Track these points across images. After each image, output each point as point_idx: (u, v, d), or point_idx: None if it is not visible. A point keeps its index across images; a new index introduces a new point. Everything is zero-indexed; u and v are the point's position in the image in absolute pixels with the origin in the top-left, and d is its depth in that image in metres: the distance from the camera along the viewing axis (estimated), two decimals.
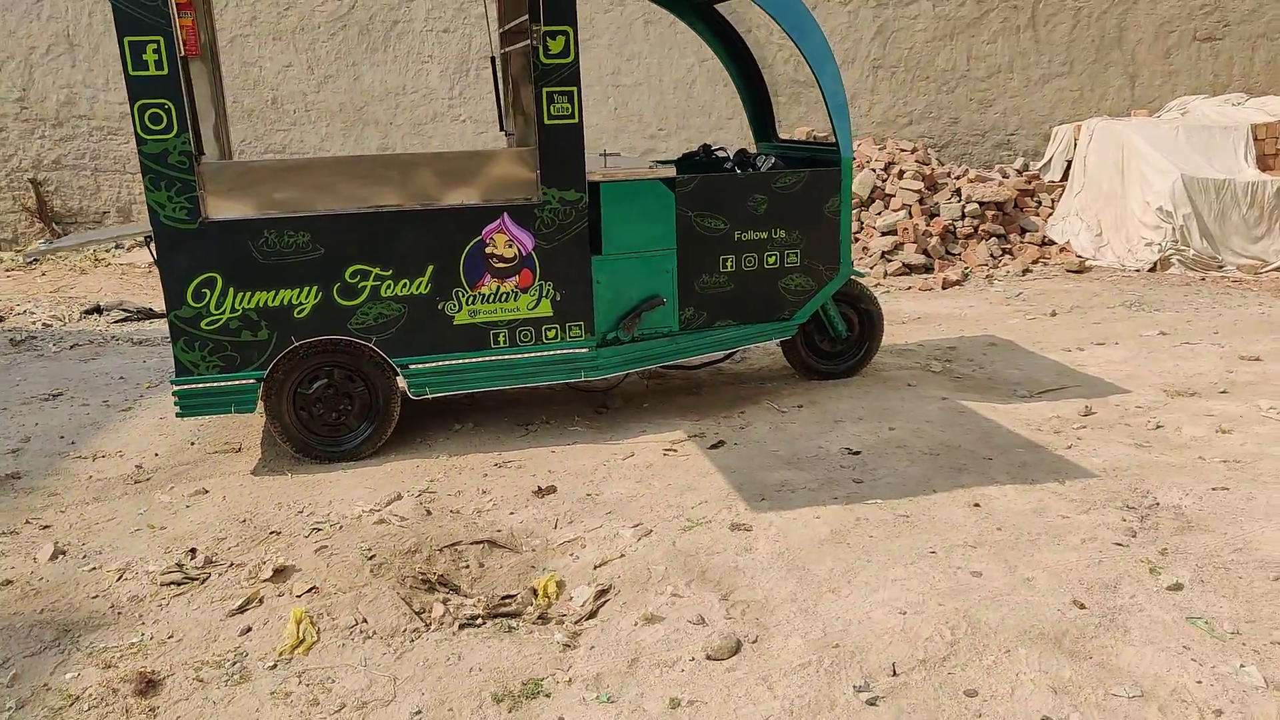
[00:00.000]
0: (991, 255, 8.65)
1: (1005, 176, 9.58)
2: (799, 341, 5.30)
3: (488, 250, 4.40)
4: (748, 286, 4.84)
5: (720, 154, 5.57)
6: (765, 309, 4.91)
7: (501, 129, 5.54)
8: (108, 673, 2.95)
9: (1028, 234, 9.01)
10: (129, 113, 3.94)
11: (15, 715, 2.79)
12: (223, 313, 4.18)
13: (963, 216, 8.89)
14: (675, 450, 4.48)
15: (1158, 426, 4.50)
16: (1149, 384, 5.16)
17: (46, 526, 3.95)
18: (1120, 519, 3.60)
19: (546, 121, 4.33)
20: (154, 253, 4.16)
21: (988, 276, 8.08)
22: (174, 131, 3.93)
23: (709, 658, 2.88)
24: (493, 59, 5.48)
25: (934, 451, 4.28)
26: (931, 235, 8.67)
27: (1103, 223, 8.60)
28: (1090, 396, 4.99)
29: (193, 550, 3.66)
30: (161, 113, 3.90)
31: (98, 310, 7.75)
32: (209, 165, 4.14)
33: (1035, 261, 8.52)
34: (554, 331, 4.57)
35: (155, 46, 3.83)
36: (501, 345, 4.52)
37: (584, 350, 4.62)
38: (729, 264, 4.79)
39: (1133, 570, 3.23)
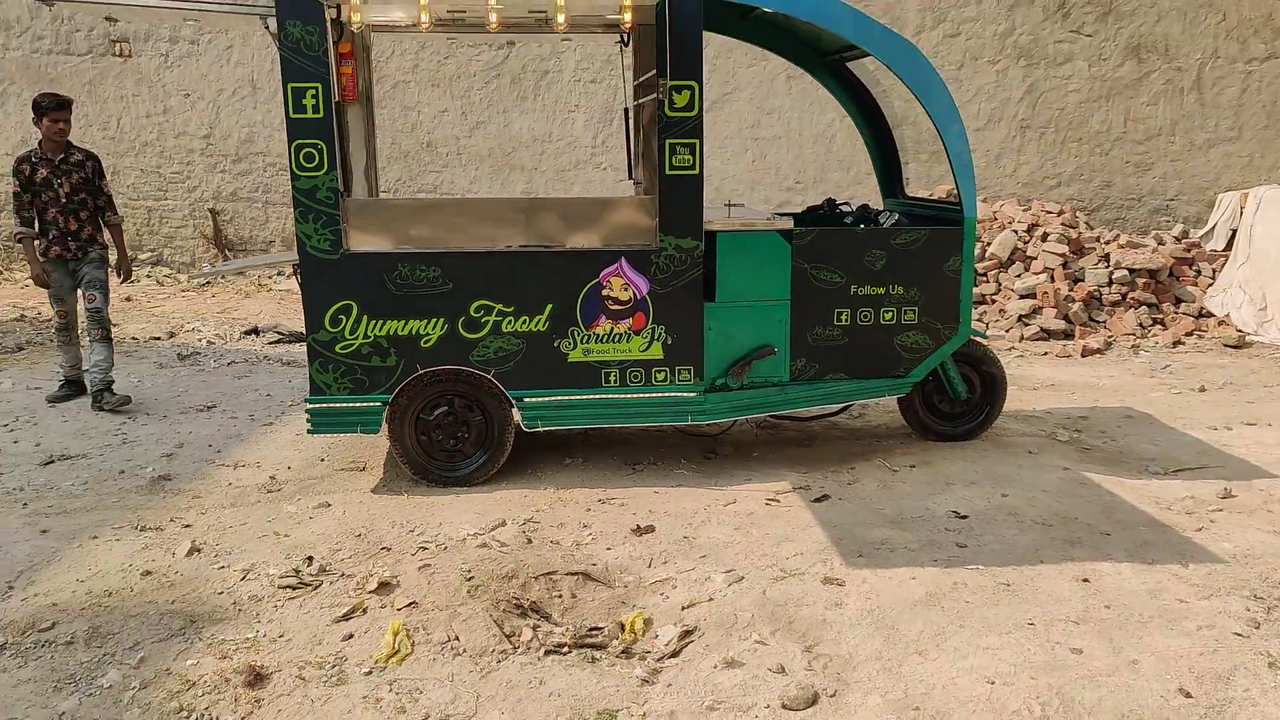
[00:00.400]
0: (1140, 325, 8.25)
1: (1160, 243, 9.15)
2: (916, 400, 5.22)
3: (604, 292, 4.55)
4: (862, 341, 4.81)
5: (844, 208, 5.57)
6: (879, 365, 4.86)
7: (630, 177, 5.72)
8: (223, 663, 3.17)
9: (1183, 304, 8.55)
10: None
11: (139, 694, 3.04)
12: (356, 338, 4.47)
13: (1110, 283, 8.53)
14: (778, 500, 4.48)
15: None
16: None
17: (187, 525, 4.28)
18: (1244, 608, 3.38)
19: (668, 172, 4.47)
20: (299, 279, 4.50)
21: (1133, 346, 7.71)
22: (324, 169, 4.27)
23: (784, 707, 2.87)
24: (626, 110, 5.67)
25: (1047, 522, 4.12)
26: (1074, 300, 8.35)
27: (1268, 296, 8.09)
28: (1232, 478, 4.69)
29: (310, 558, 3.89)
30: (315, 152, 4.24)
31: (255, 331, 8.34)
32: (353, 202, 4.47)
33: (1189, 334, 8.07)
34: (663, 374, 4.66)
35: (314, 92, 4.18)
36: (612, 384, 4.64)
37: (692, 394, 4.69)
38: (844, 317, 4.78)
39: (1250, 662, 3.03)
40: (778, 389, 4.82)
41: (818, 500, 4.45)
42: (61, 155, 5.96)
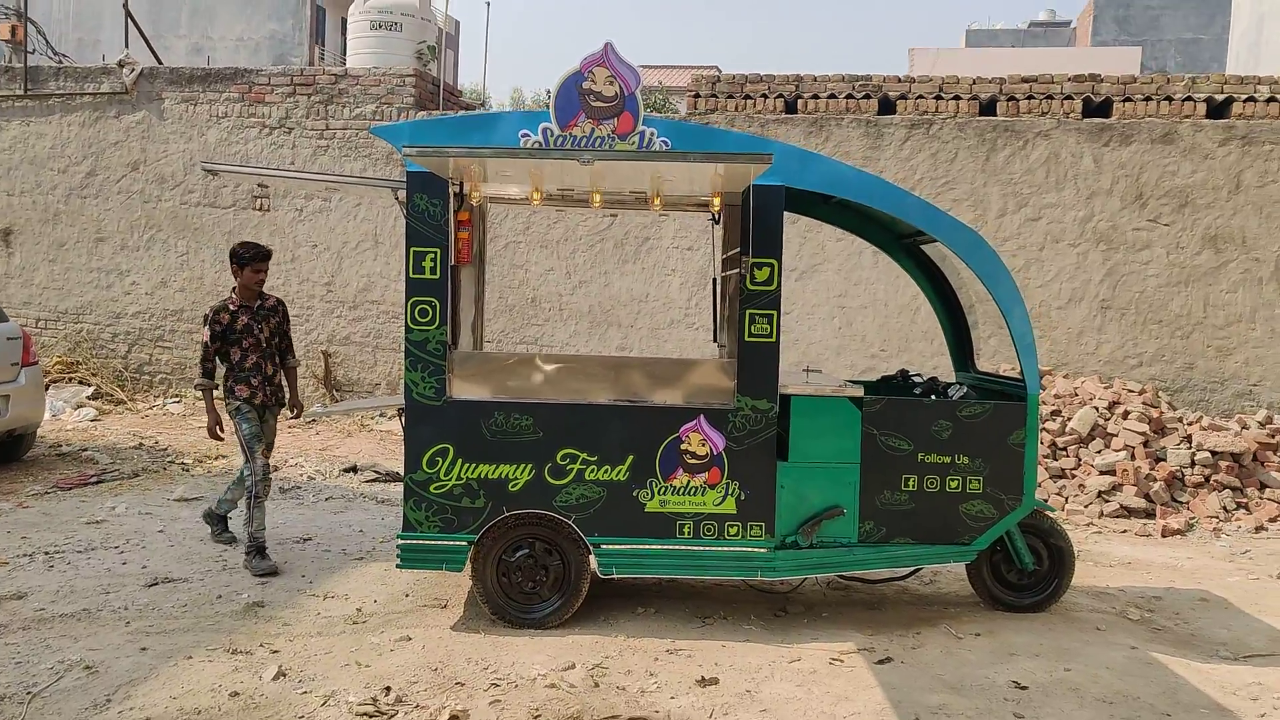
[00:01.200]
0: (1224, 508, 8.13)
1: (1245, 427, 9.07)
2: (985, 569, 5.30)
3: (683, 447, 4.85)
4: (928, 507, 4.98)
5: (916, 378, 5.83)
6: (945, 531, 5.00)
7: (715, 340, 6.11)
8: None
9: (1268, 489, 8.41)
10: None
11: None
12: (450, 479, 4.83)
13: (1192, 464, 8.46)
14: (842, 660, 4.57)
15: None
16: None
17: (276, 651, 4.57)
18: None
19: (747, 339, 4.83)
20: (402, 422, 4.93)
21: (1215, 529, 7.59)
22: (436, 324, 4.76)
23: None
24: (714, 280, 6.12)
25: (1107, 699, 4.13)
26: (1155, 479, 8.30)
27: None
28: None
29: (388, 688, 4.13)
30: (429, 308, 4.75)
31: (354, 469, 8.82)
32: (459, 354, 4.94)
33: (1273, 520, 7.91)
34: (736, 529, 4.88)
35: (433, 256, 4.73)
36: (686, 536, 4.88)
37: (763, 550, 4.89)
38: (911, 483, 4.97)
39: None
40: (846, 549, 4.99)
41: (880, 662, 4.54)
42: (258, 301, 6.10)
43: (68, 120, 11.90)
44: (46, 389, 11.06)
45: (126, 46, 12.42)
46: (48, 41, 14.25)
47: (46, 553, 6.01)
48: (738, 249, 5.08)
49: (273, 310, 6.17)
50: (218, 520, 6.41)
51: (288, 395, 6.31)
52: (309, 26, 25.12)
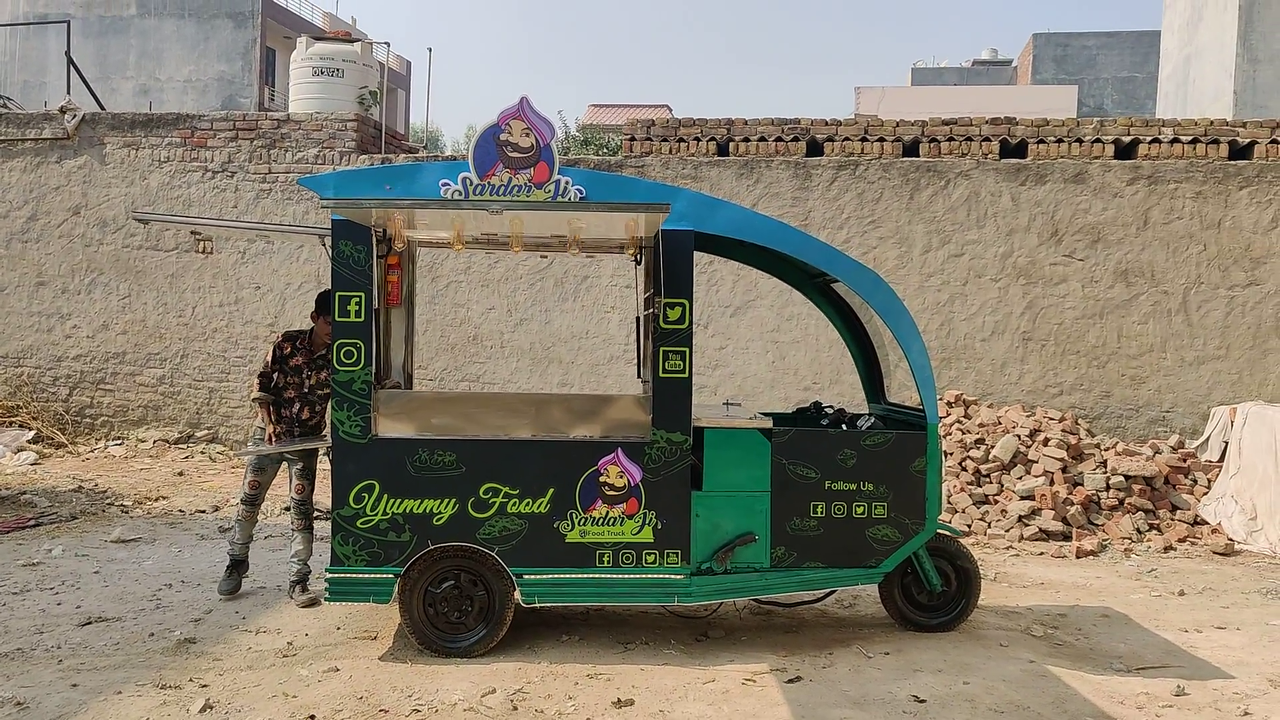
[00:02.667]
0: (1137, 530, 8.50)
1: (1157, 452, 9.50)
2: (896, 591, 5.56)
3: (601, 479, 5.07)
4: (836, 532, 5.23)
5: (828, 410, 6.12)
6: (853, 555, 5.26)
7: (639, 376, 6.35)
8: None
9: (1179, 511, 8.81)
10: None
11: None
12: (376, 514, 5.00)
13: (1107, 488, 8.85)
14: (754, 681, 4.79)
15: (1245, 714, 4.41)
16: (1257, 672, 5.02)
17: (205, 685, 4.68)
18: None
19: (661, 374, 5.09)
20: (330, 460, 5.10)
21: (1125, 550, 7.95)
22: (360, 365, 4.95)
23: None
24: (638, 319, 6.37)
25: (999, 709, 4.38)
26: (1073, 504, 8.66)
27: (1257, 507, 8.34)
28: (1189, 678, 4.92)
29: (312, 717, 4.28)
30: (354, 349, 4.95)
31: (321, 515, 8.88)
32: (384, 393, 5.13)
33: (1182, 540, 8.30)
34: (653, 557, 5.10)
35: (358, 300, 4.93)
36: (605, 565, 5.08)
37: (679, 577, 5.11)
38: (819, 510, 5.23)
39: None
40: (759, 574, 5.22)
41: (791, 681, 4.76)
42: (321, 352, 6.08)
43: (9, 165, 11.94)
44: None
45: (69, 92, 12.51)
46: None
47: None
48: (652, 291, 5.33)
49: (326, 364, 6.08)
50: (298, 581, 6.13)
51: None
52: (258, 68, 25.29)
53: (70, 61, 12.88)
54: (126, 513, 8.68)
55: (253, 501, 6.20)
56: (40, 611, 5.78)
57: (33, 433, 11.53)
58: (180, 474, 10.46)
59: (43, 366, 11.98)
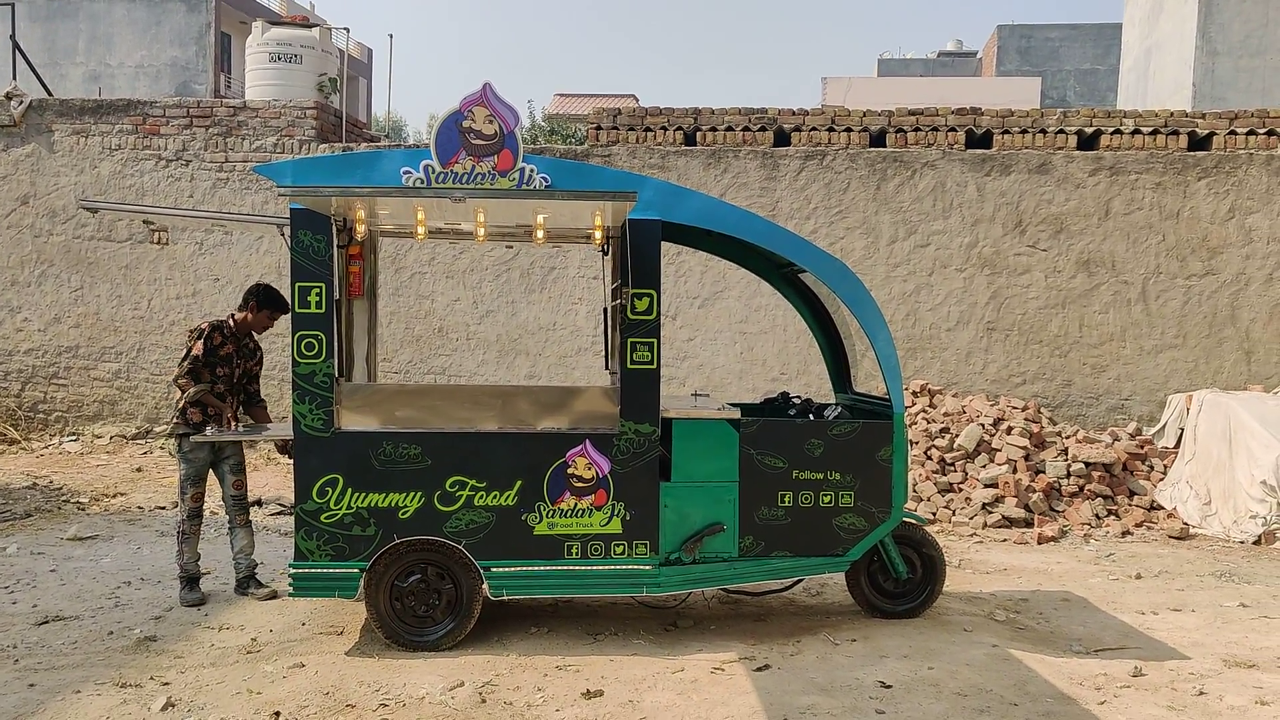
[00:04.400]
0: (1096, 515, 8.64)
1: (1116, 439, 9.65)
2: (863, 579, 5.59)
3: (569, 471, 5.04)
4: (803, 521, 5.25)
5: (795, 400, 6.13)
6: (820, 543, 5.28)
7: (606, 367, 6.32)
8: None
9: (1136, 497, 8.96)
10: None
11: None
12: (340, 509, 4.94)
13: (1068, 475, 8.98)
14: (723, 669, 4.79)
15: (1200, 693, 4.50)
16: (1211, 653, 5.12)
17: (166, 684, 4.60)
18: None
19: (629, 366, 5.06)
20: (291, 454, 5.02)
21: (1085, 535, 8.07)
22: (322, 357, 4.88)
23: None
24: (605, 310, 6.34)
25: (963, 692, 4.43)
26: (1035, 491, 8.78)
27: (1211, 491, 8.51)
28: (1147, 659, 5.00)
29: (277, 713, 4.22)
30: (315, 342, 4.87)
31: (258, 503, 8.77)
32: (346, 386, 5.05)
33: (1139, 525, 8.44)
34: (622, 548, 5.08)
35: (318, 291, 4.85)
36: (574, 557, 5.06)
37: (648, 567, 5.09)
38: (786, 499, 5.24)
39: None
40: (727, 564, 5.23)
41: (759, 669, 4.77)
42: (245, 339, 6.06)
43: None
44: None
45: (15, 78, 12.20)
46: None
47: None
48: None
49: (252, 352, 6.13)
50: (248, 577, 6.07)
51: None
52: (213, 53, 24.82)
53: (15, 46, 12.55)
54: (83, 510, 8.51)
55: (199, 514, 6.01)
56: None
57: None
58: (139, 470, 10.28)
59: None
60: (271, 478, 10.05)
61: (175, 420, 5.95)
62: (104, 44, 25.17)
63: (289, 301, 5.69)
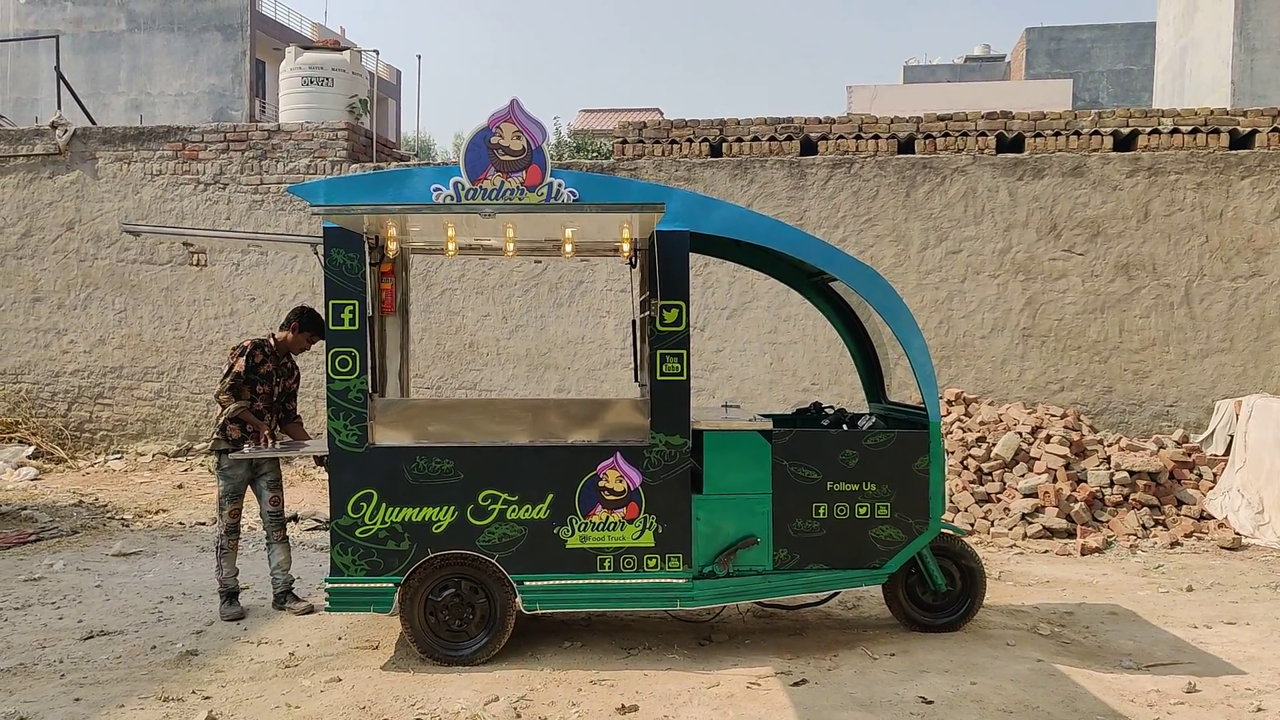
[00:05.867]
0: (1142, 525, 8.45)
1: (1162, 447, 9.44)
2: (900, 592, 5.51)
3: (600, 484, 5.02)
4: (839, 533, 5.18)
5: (828, 411, 6.07)
6: (856, 556, 5.21)
7: (636, 380, 6.30)
8: None
9: (1185, 506, 8.75)
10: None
11: None
12: (374, 524, 4.96)
13: (1111, 484, 8.79)
14: (759, 684, 4.74)
15: (1259, 710, 4.36)
16: (1268, 667, 4.97)
17: (207, 697, 4.64)
18: None
19: (659, 377, 5.04)
20: (326, 469, 5.05)
21: (1131, 546, 7.89)
22: (356, 374, 4.91)
23: None
24: (634, 322, 6.33)
25: (1008, 709, 4.33)
26: (1076, 500, 8.61)
27: (1265, 500, 8.29)
28: (1201, 675, 4.86)
29: None
30: (349, 358, 4.90)
31: (294, 518, 8.85)
32: (380, 401, 5.08)
33: (1189, 535, 8.24)
34: (654, 561, 5.05)
35: (351, 308, 4.89)
36: (606, 570, 5.03)
37: (681, 581, 5.05)
38: (821, 511, 5.17)
39: None
40: (761, 577, 5.17)
41: (796, 684, 4.71)
42: (284, 359, 6.18)
43: (2, 182, 11.91)
44: None
45: (59, 107, 12.48)
46: None
47: None
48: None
49: (290, 371, 6.23)
50: (284, 592, 6.14)
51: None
52: (248, 80, 25.27)
53: (60, 76, 12.86)
54: (127, 526, 8.64)
55: (236, 530, 6.07)
56: (42, 626, 5.74)
57: (32, 448, 11.49)
58: (180, 487, 10.42)
59: (41, 382, 11.94)
60: (307, 493, 10.13)
61: (215, 436, 6.05)
62: (144, 74, 25.75)
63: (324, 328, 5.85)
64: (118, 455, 11.69)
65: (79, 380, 11.88)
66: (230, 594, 6.01)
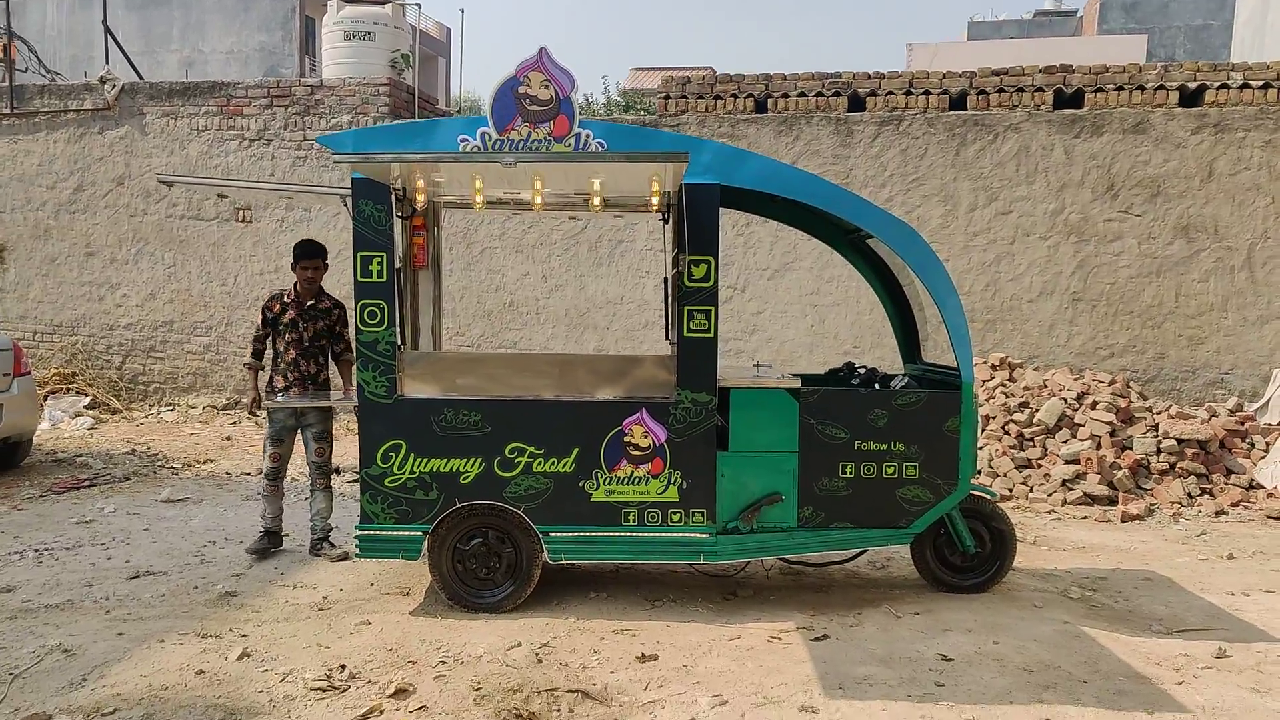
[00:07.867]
0: (1188, 494, 8.26)
1: (1214, 415, 9.20)
2: (928, 552, 5.46)
3: (626, 439, 5.04)
4: (866, 492, 5.14)
5: (860, 371, 6.00)
6: (883, 515, 5.17)
7: (667, 338, 6.29)
8: None
9: (1234, 475, 8.54)
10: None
11: None
12: (403, 473, 5.03)
13: (1158, 452, 8.60)
14: (780, 639, 4.75)
15: None
16: None
17: (244, 635, 4.79)
18: None
19: (686, 334, 5.02)
20: (357, 419, 5.13)
21: (1174, 514, 7.73)
22: (384, 325, 4.96)
23: None
24: (665, 278, 6.29)
25: (1029, 668, 4.29)
26: (1120, 468, 8.44)
27: None
28: (1233, 640, 4.77)
29: (343, 666, 4.34)
30: (377, 310, 4.95)
31: (336, 471, 9.02)
32: (408, 354, 5.13)
33: (1235, 504, 8.04)
34: (679, 516, 5.06)
35: (379, 260, 4.93)
36: (631, 524, 5.06)
37: (705, 536, 5.07)
38: (848, 470, 5.14)
39: None
40: (786, 534, 5.16)
41: (817, 639, 4.71)
42: (311, 301, 6.20)
43: (54, 137, 12.18)
44: (45, 399, 11.33)
45: (108, 63, 12.69)
46: (39, 59, 14.53)
47: (36, 550, 6.27)
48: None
49: (325, 312, 6.24)
50: (321, 539, 6.30)
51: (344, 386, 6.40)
52: (298, 37, 25.40)
53: (107, 31, 13.05)
54: (176, 474, 8.89)
55: (276, 475, 6.26)
56: (91, 566, 5.95)
57: (88, 399, 11.84)
58: (228, 438, 10.68)
59: (96, 335, 12.28)
60: (351, 447, 10.30)
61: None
62: (197, 31, 26.02)
63: (311, 249, 6.15)
64: (170, 407, 12.00)
65: (132, 334, 12.19)
66: (268, 533, 6.21)
